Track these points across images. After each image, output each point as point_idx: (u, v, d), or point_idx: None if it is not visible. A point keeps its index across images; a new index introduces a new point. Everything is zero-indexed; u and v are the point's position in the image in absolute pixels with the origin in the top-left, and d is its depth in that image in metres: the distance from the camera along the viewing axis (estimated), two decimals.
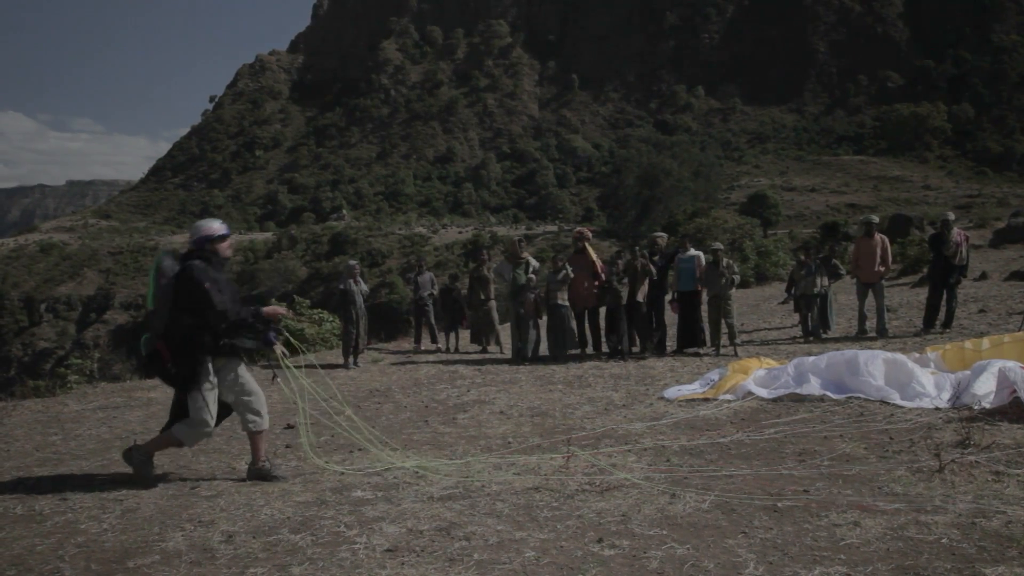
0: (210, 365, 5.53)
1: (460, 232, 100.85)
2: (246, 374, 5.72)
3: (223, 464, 6.23)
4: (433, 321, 15.01)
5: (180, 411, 5.69)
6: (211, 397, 5.56)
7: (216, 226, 5.66)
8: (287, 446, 6.82)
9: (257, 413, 5.71)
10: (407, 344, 15.66)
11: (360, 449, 6.51)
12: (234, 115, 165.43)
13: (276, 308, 6.00)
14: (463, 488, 5.23)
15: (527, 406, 8.33)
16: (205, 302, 5.35)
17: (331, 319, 17.54)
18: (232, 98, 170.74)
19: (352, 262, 13.52)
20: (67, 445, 7.29)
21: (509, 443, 6.63)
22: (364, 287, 13.00)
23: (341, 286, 12.72)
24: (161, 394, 9.76)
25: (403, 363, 12.19)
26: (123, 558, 4.17)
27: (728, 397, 8.08)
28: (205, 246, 5.58)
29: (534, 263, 12.72)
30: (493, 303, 13.98)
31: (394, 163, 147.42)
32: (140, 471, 5.68)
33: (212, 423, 5.61)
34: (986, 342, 8.29)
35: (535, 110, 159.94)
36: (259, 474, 5.69)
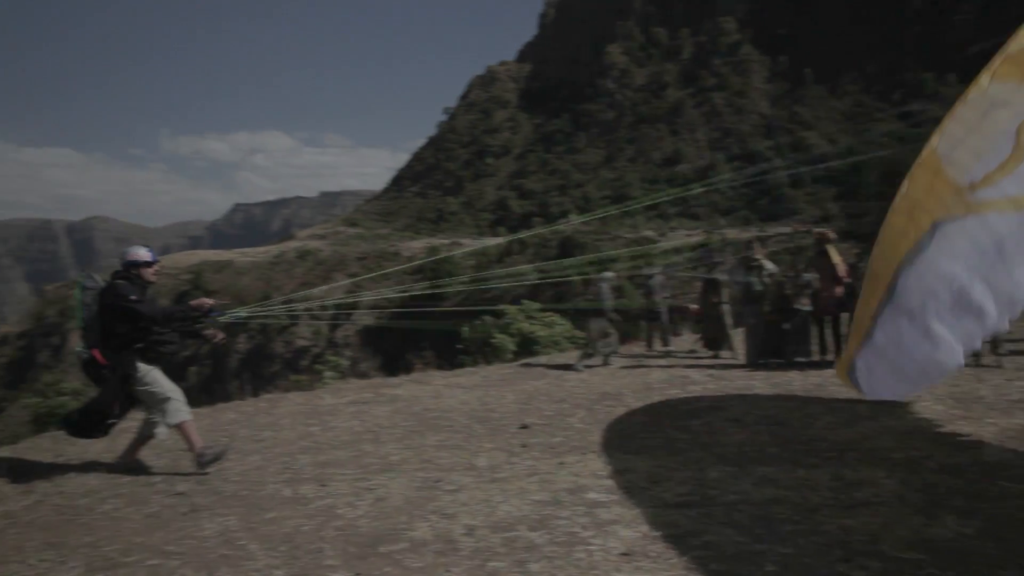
0: (140, 364, 6.19)
1: (688, 235, 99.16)
2: (161, 377, 6.30)
3: (463, 461, 6.49)
4: (666, 324, 14.83)
5: (104, 413, 6.25)
6: (156, 373, 6.27)
7: (143, 252, 6.41)
8: (523, 445, 7.00)
9: (167, 411, 6.27)
10: (637, 347, 15.60)
11: (593, 451, 6.56)
12: (466, 125, 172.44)
13: (202, 300, 6.70)
14: (699, 495, 5.13)
15: (763, 414, 8.03)
16: (131, 311, 6.08)
17: (562, 322, 17.81)
18: (464, 109, 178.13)
19: (608, 273, 14.04)
20: (324, 435, 7.90)
21: (745, 452, 6.43)
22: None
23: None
24: (406, 391, 10.36)
25: (634, 367, 12.15)
26: (376, 543, 4.47)
27: None
28: (131, 270, 6.32)
29: (769, 266, 12.25)
30: (726, 307, 13.61)
31: (620, 167, 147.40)
32: (216, 454, 6.37)
33: (177, 391, 6.34)
34: None
35: (765, 107, 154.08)
36: (199, 462, 6.30)
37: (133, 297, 6.12)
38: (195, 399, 10.39)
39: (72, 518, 5.29)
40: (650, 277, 15.22)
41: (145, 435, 6.47)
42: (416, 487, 5.64)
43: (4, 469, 6.63)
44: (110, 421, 6.32)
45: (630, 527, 4.50)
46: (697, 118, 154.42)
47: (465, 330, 18.01)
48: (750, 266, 12.18)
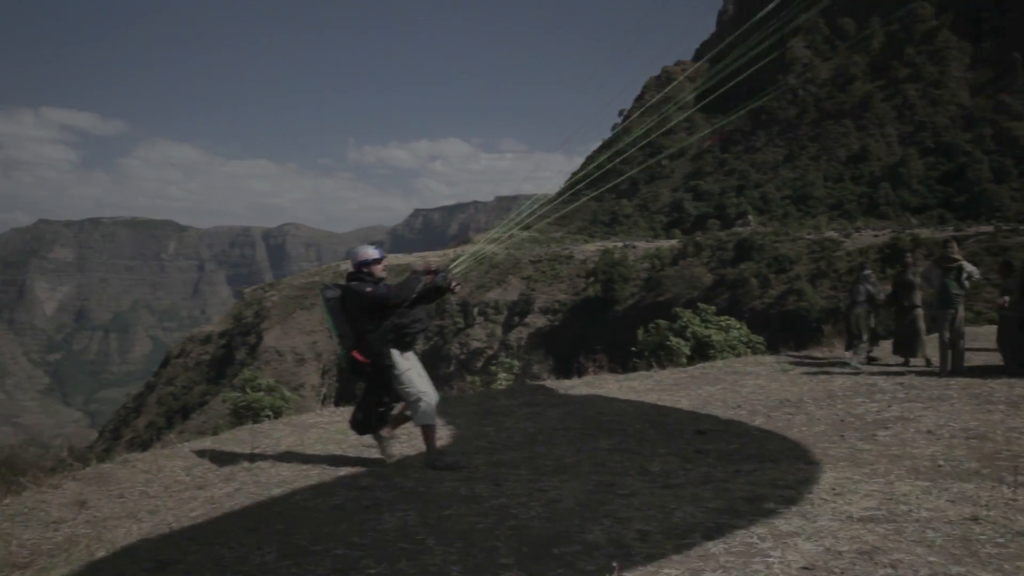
0: (396, 352, 6.45)
1: (876, 235, 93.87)
2: (416, 378, 6.52)
3: (636, 465, 6.43)
4: (870, 328, 14.04)
5: (375, 405, 6.68)
6: (412, 375, 6.47)
7: (371, 251, 6.76)
8: (698, 451, 6.85)
9: (416, 412, 6.52)
10: (818, 352, 14.91)
11: (772, 460, 6.33)
12: (641, 127, 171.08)
13: (418, 264, 7.03)
14: (887, 510, 4.83)
15: (960, 427, 7.46)
16: (372, 300, 6.36)
17: (738, 326, 17.30)
18: (639, 111, 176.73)
19: (866, 271, 13.78)
20: (499, 436, 8.04)
21: (940, 466, 6.00)
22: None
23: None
24: (578, 394, 10.39)
25: (815, 373, 11.63)
26: (549, 544, 4.50)
27: None
28: (362, 269, 6.64)
29: (969, 268, 11.37)
30: (919, 311, 12.77)
31: (802, 165, 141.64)
32: (447, 463, 6.56)
33: (430, 390, 6.55)
34: None
35: (965, 98, 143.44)
36: (432, 464, 6.52)
37: (369, 289, 6.42)
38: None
39: (267, 506, 5.65)
40: (860, 278, 14.43)
41: (404, 416, 6.86)
42: (589, 490, 5.64)
43: (207, 458, 7.19)
44: (381, 410, 6.73)
45: (812, 540, 4.30)
46: (887, 112, 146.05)
47: (639, 333, 17.84)
48: (947, 268, 11.37)
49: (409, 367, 6.51)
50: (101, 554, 4.67)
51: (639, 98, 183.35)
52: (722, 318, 18.30)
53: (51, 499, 5.93)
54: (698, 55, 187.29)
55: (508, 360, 16.01)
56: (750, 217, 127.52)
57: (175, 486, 6.39)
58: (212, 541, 4.84)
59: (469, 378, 13.88)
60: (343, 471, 6.60)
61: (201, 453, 7.39)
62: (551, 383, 12.44)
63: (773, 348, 15.89)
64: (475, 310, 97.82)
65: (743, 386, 10.49)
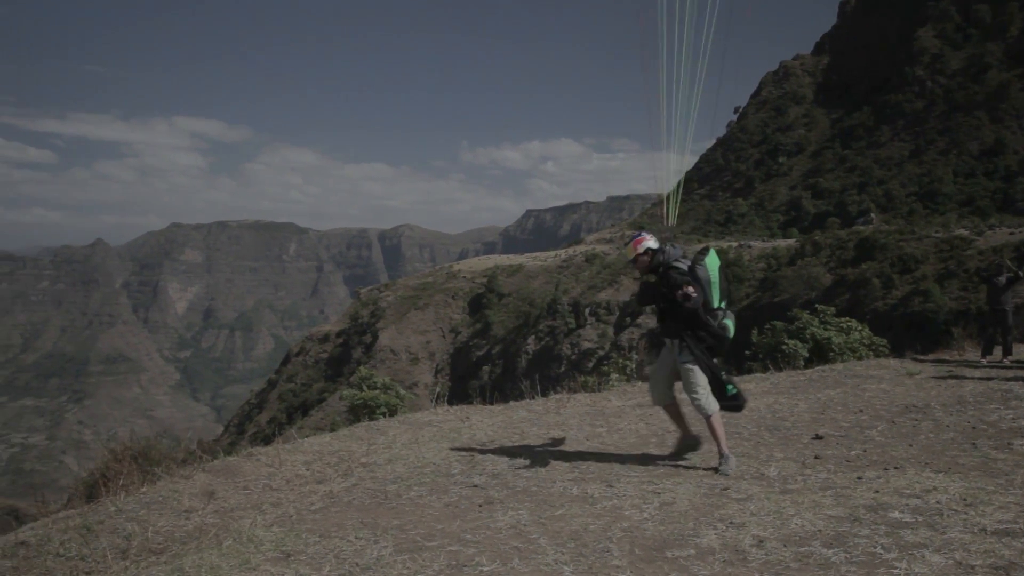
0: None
1: (1011, 233, 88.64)
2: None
3: (752, 469, 6.28)
4: (1010, 328, 13.34)
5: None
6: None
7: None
8: (816, 457, 6.64)
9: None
10: (947, 356, 14.21)
11: (896, 467, 6.07)
12: (757, 124, 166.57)
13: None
14: None
15: None
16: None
17: (860, 328, 16.66)
18: (756, 107, 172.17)
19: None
20: (611, 437, 8.00)
21: None
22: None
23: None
24: None
25: (944, 377, 11.09)
26: (662, 547, 4.44)
27: None
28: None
29: None
30: None
31: (929, 160, 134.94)
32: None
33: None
34: None
35: None
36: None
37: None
38: (488, 397, 10.97)
39: (383, 501, 5.79)
40: (997, 274, 13.77)
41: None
42: (703, 493, 5.55)
43: (326, 453, 7.42)
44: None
45: (941, 553, 4.10)
46: None
47: (754, 335, 17.41)
48: None
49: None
50: (228, 543, 4.88)
51: (755, 94, 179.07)
52: (842, 319, 17.63)
53: (183, 489, 6.24)
54: (818, 48, 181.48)
55: (620, 360, 15.87)
56: (872, 215, 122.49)
57: (296, 480, 6.62)
58: (331, 534, 4.99)
59: (581, 378, 13.83)
60: (456, 469, 6.70)
61: (320, 449, 7.64)
62: None
63: (897, 351, 15.24)
64: (586, 310, 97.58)
65: (865, 390, 10.10)
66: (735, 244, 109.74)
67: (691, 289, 6.17)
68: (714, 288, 6.43)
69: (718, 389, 6.48)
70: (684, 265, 6.45)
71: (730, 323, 6.52)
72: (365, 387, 14.83)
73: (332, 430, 10.25)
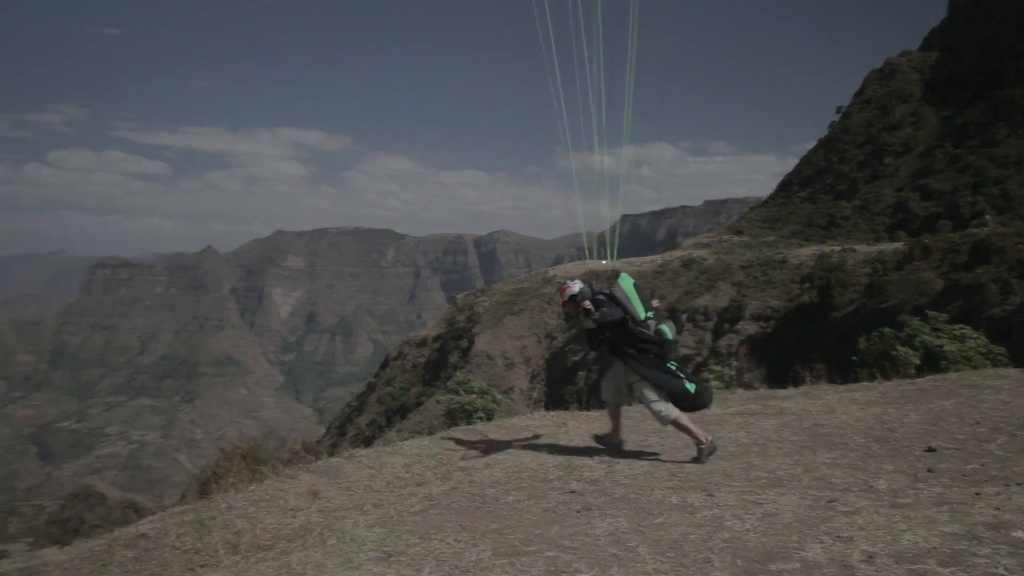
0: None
1: None
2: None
3: (859, 481, 6.07)
4: None
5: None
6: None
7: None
8: (929, 470, 6.36)
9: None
10: None
11: (1019, 484, 5.75)
12: (861, 123, 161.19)
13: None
14: None
15: None
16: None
17: (975, 335, 15.90)
18: (859, 106, 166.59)
19: None
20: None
21: None
22: None
23: None
24: (794, 404, 9.94)
25: None
26: (765, 560, 4.33)
27: None
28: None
29: None
30: None
31: None
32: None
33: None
34: None
35: None
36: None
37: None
38: (584, 402, 10.94)
39: (481, 505, 5.83)
40: None
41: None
42: (808, 505, 5.38)
43: (425, 456, 7.52)
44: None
45: None
46: None
47: (861, 341, 16.81)
48: None
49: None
50: (332, 542, 5.00)
51: (859, 93, 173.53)
52: (955, 327, 16.85)
53: (288, 488, 6.42)
54: (927, 43, 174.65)
55: (719, 367, 15.57)
56: (988, 217, 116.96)
57: (396, 482, 6.73)
58: (430, 536, 5.05)
59: None
60: (554, 474, 6.70)
61: (419, 452, 7.75)
62: (764, 392, 12.01)
63: (1017, 361, 14.49)
64: (684, 316, 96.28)
65: (982, 401, 9.62)
66: (838, 248, 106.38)
67: (587, 304, 7.10)
68: (634, 302, 7.13)
69: (679, 392, 7.05)
70: (602, 295, 7.21)
71: (665, 327, 7.09)
72: (462, 391, 14.97)
73: (430, 433, 10.38)
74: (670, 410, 7.01)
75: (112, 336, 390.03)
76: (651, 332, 7.02)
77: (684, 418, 7.05)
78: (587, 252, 7.90)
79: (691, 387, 7.08)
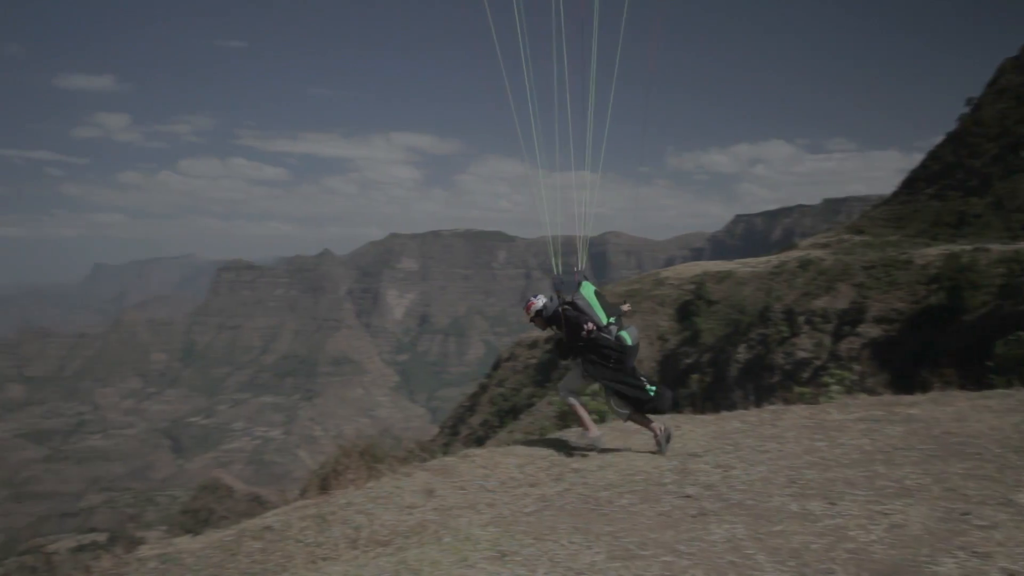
0: None
1: None
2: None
3: (997, 494, 5.73)
4: None
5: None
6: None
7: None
8: None
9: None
10: None
11: None
12: (995, 115, 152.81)
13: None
14: None
15: None
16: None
17: None
18: (993, 97, 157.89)
19: None
20: (831, 452, 7.57)
21: None
22: None
23: None
24: (922, 411, 9.49)
25: None
26: (893, 573, 4.16)
27: None
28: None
29: None
30: None
31: None
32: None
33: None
34: None
35: None
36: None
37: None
38: (698, 406, 10.74)
39: (595, 507, 5.80)
40: None
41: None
42: (938, 517, 5.12)
43: (538, 457, 7.54)
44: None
45: None
46: None
47: (998, 345, 15.91)
48: None
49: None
50: (447, 540, 5.07)
51: (992, 82, 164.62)
52: None
53: (405, 486, 6.55)
54: None
55: (840, 372, 15.01)
56: None
57: (510, 482, 6.78)
58: (544, 537, 5.06)
59: (797, 389, 13.24)
60: (668, 478, 6.60)
61: (532, 452, 7.78)
62: (889, 398, 11.51)
63: None
64: (801, 318, 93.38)
65: None
66: (969, 247, 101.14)
67: (590, 325, 7.39)
68: (596, 310, 7.54)
69: (637, 397, 7.39)
70: (567, 304, 7.67)
71: (625, 334, 7.42)
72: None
73: (542, 435, 10.41)
74: (622, 411, 7.55)
75: (237, 336, 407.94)
76: (612, 338, 7.37)
77: (580, 409, 7.85)
78: (553, 260, 8.32)
79: (651, 390, 7.43)
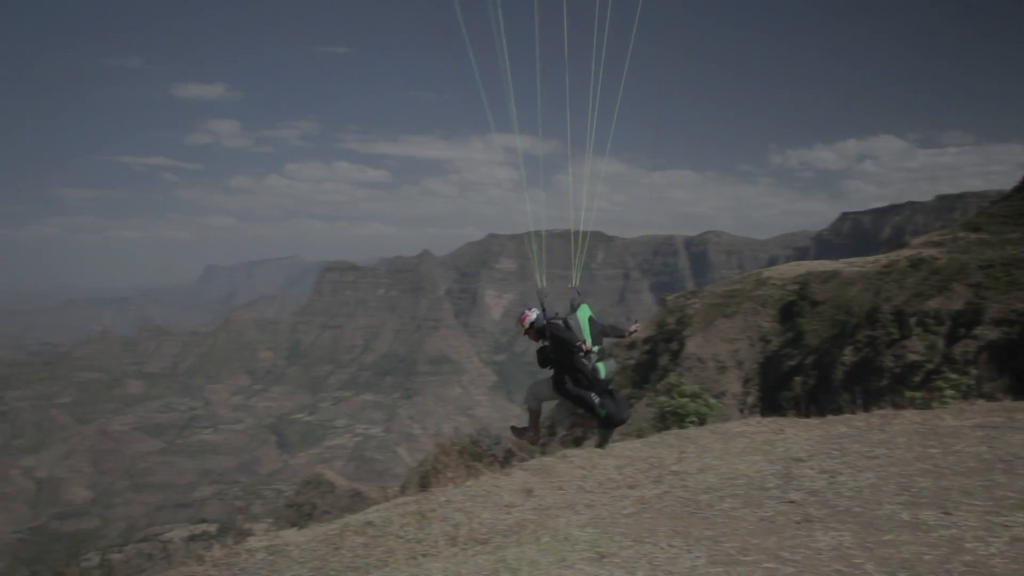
0: None
1: None
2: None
3: None
4: None
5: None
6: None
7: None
8: None
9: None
10: None
11: None
12: None
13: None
14: None
15: None
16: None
17: None
18: None
19: None
20: (946, 459, 7.25)
21: None
22: None
23: None
24: None
25: None
26: None
27: None
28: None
29: None
30: None
31: None
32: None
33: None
34: None
35: None
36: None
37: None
38: (802, 409, 10.45)
39: (695, 511, 5.71)
40: None
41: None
42: None
43: (637, 459, 7.47)
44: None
45: None
46: None
47: None
48: None
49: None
50: (546, 539, 5.08)
51: None
52: None
53: (503, 485, 6.60)
54: None
55: (955, 376, 14.35)
56: None
57: (608, 483, 6.74)
58: (643, 539, 5.01)
59: (908, 394, 12.75)
60: (771, 483, 6.44)
61: (631, 454, 7.72)
62: (1010, 403, 10.94)
63: None
64: (912, 320, 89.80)
65: None
66: None
67: (587, 345, 7.76)
68: (586, 334, 7.99)
69: (590, 414, 7.82)
70: (559, 320, 8.06)
71: (601, 366, 7.82)
72: (675, 394, 14.77)
73: (640, 436, 10.31)
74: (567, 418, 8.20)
75: (339, 335, 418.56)
76: (590, 365, 7.75)
77: (537, 417, 8.62)
78: (534, 260, 8.79)
79: (602, 412, 7.70)
